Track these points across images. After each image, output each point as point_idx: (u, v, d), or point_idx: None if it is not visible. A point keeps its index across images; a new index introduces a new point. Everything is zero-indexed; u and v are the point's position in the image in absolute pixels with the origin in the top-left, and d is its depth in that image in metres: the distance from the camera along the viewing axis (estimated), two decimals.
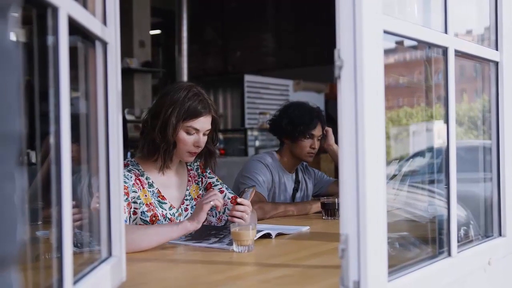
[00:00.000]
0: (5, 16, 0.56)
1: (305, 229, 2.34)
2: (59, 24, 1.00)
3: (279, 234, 2.17)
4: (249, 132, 7.58)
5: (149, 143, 2.19)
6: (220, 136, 7.83)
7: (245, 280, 1.55)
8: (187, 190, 2.33)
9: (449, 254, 1.51)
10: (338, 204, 2.65)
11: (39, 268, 1.21)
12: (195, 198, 2.34)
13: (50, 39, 1.01)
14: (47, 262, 1.37)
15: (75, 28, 1.11)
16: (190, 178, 2.36)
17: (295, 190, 3.13)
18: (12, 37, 0.58)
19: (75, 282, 1.08)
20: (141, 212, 2.14)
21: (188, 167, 2.39)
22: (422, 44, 1.60)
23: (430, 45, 1.56)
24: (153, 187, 2.21)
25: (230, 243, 1.90)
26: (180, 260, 1.78)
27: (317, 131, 3.00)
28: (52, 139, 1.01)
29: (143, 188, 2.18)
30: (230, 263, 1.75)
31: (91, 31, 1.22)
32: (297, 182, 3.14)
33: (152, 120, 2.19)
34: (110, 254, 1.36)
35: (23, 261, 0.85)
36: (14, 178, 0.56)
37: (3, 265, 0.54)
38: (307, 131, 2.97)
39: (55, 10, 0.99)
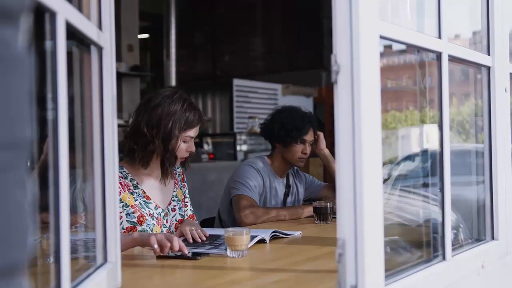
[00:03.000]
0: (16, 23, 0.56)
1: (297, 234, 2.34)
2: (57, 29, 1.00)
3: (274, 237, 2.17)
4: (238, 136, 7.55)
5: (149, 153, 2.24)
6: (209, 140, 7.82)
7: (241, 285, 1.55)
8: (174, 191, 2.41)
9: (444, 258, 1.52)
10: (330, 208, 2.65)
11: (35, 274, 1.20)
12: (181, 200, 2.43)
13: (47, 44, 1.01)
14: (40, 268, 1.36)
15: (71, 32, 1.10)
16: (176, 181, 2.45)
17: (286, 194, 3.13)
18: (23, 43, 0.58)
19: None
20: (126, 214, 2.19)
21: (173, 170, 2.45)
22: (411, 48, 1.61)
23: (425, 50, 1.57)
24: (138, 188, 2.27)
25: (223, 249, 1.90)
26: (175, 266, 1.78)
27: (309, 137, 3.01)
28: (49, 144, 1.00)
29: (125, 191, 2.23)
30: (225, 268, 1.74)
31: (87, 36, 1.22)
32: (288, 186, 3.14)
33: (149, 130, 2.21)
34: (105, 260, 1.36)
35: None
36: (25, 184, 0.55)
37: (16, 272, 0.53)
38: (299, 136, 2.97)
39: (53, 15, 0.99)
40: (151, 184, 2.32)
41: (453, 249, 1.56)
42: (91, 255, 1.36)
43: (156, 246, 1.79)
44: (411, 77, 1.95)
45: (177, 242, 1.82)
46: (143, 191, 2.28)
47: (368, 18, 1.18)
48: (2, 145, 0.53)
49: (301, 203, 3.19)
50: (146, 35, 10.25)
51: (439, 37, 1.52)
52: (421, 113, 1.95)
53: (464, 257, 1.63)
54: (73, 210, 1.51)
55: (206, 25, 10.34)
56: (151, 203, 2.28)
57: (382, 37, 1.25)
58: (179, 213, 2.40)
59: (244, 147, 7.61)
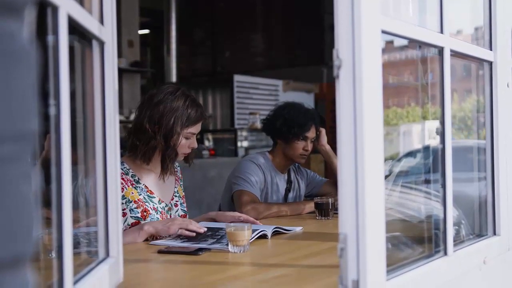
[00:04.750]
0: (20, 16, 0.56)
1: (299, 229, 2.34)
2: (59, 24, 0.99)
3: (275, 233, 2.18)
4: (239, 133, 7.56)
5: (151, 149, 2.26)
6: (210, 136, 7.82)
7: (243, 280, 1.55)
8: (175, 187, 2.44)
9: (445, 253, 1.52)
10: (331, 204, 2.66)
11: (37, 269, 1.20)
12: (182, 197, 2.46)
13: (49, 38, 1.00)
14: (42, 263, 1.37)
15: (72, 27, 1.10)
16: (176, 178, 2.47)
17: (288, 190, 3.13)
18: (28, 35, 0.58)
19: (74, 283, 1.07)
20: (130, 210, 2.20)
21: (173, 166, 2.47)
22: (413, 44, 1.61)
23: (427, 45, 1.56)
24: (140, 183, 2.28)
25: (225, 244, 1.90)
26: (177, 261, 1.78)
27: (311, 133, 3.00)
28: (52, 140, 1.00)
29: (129, 186, 2.24)
30: (226, 263, 1.74)
31: (89, 30, 1.22)
32: (289, 182, 3.14)
33: (151, 126, 2.23)
34: (107, 254, 1.36)
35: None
36: (30, 177, 0.56)
37: (21, 264, 0.54)
38: (301, 133, 2.96)
39: (55, 9, 0.99)
40: (152, 180, 2.34)
41: (455, 245, 1.57)
42: (94, 250, 1.37)
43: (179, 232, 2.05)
44: (412, 73, 1.95)
45: (194, 225, 2.09)
46: (145, 186, 2.29)
47: (370, 12, 1.18)
48: (8, 138, 0.53)
49: (302, 199, 3.19)
50: (146, 31, 10.24)
51: (441, 31, 1.52)
52: (423, 109, 1.95)
53: (465, 253, 1.63)
54: (75, 206, 1.51)
55: (206, 21, 10.34)
56: (154, 197, 2.30)
57: (384, 32, 1.25)
58: (181, 209, 2.43)
59: (245, 143, 7.61)
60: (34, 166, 0.58)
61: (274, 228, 2.19)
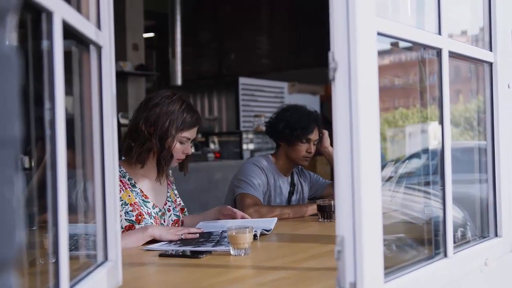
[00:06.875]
0: (3, 21, 0.56)
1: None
2: (54, 29, 1.00)
3: (262, 234, 2.22)
4: (244, 135, 7.56)
5: (146, 151, 2.28)
6: (215, 139, 7.82)
7: (242, 283, 1.55)
8: (168, 192, 2.46)
9: (445, 255, 1.51)
10: (334, 206, 2.65)
11: (35, 273, 1.21)
12: (174, 201, 2.48)
13: (44, 44, 1.01)
14: (42, 267, 1.37)
15: (69, 32, 1.11)
16: (169, 182, 2.50)
17: (291, 193, 3.12)
18: (10, 42, 0.58)
19: (71, 286, 1.08)
20: (125, 212, 2.22)
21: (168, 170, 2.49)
22: (416, 46, 1.60)
23: (424, 47, 1.56)
24: (136, 187, 2.31)
25: (229, 245, 1.90)
26: (177, 264, 1.78)
27: (314, 136, 3.00)
28: (47, 144, 1.01)
29: (126, 189, 2.27)
30: (227, 266, 1.74)
31: (85, 35, 1.22)
32: (292, 185, 3.14)
33: (146, 127, 2.25)
34: (106, 258, 1.36)
35: (19, 266, 0.85)
36: (13, 182, 0.56)
37: (3, 269, 0.54)
38: (304, 135, 2.96)
39: (49, 14, 0.99)
40: (147, 184, 2.36)
41: (456, 246, 1.56)
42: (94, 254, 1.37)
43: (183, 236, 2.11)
44: (418, 74, 1.95)
45: (193, 230, 2.17)
46: (141, 190, 2.32)
47: (365, 14, 1.18)
48: None
49: (305, 201, 3.18)
50: (151, 34, 10.25)
51: (439, 33, 1.52)
52: (429, 110, 1.94)
53: (466, 254, 1.62)
54: (78, 209, 1.52)
55: (211, 24, 10.34)
56: (149, 202, 2.32)
57: (379, 34, 1.25)
58: (173, 214, 2.45)
59: (251, 146, 7.61)
60: (18, 171, 0.59)
61: (261, 230, 2.23)
